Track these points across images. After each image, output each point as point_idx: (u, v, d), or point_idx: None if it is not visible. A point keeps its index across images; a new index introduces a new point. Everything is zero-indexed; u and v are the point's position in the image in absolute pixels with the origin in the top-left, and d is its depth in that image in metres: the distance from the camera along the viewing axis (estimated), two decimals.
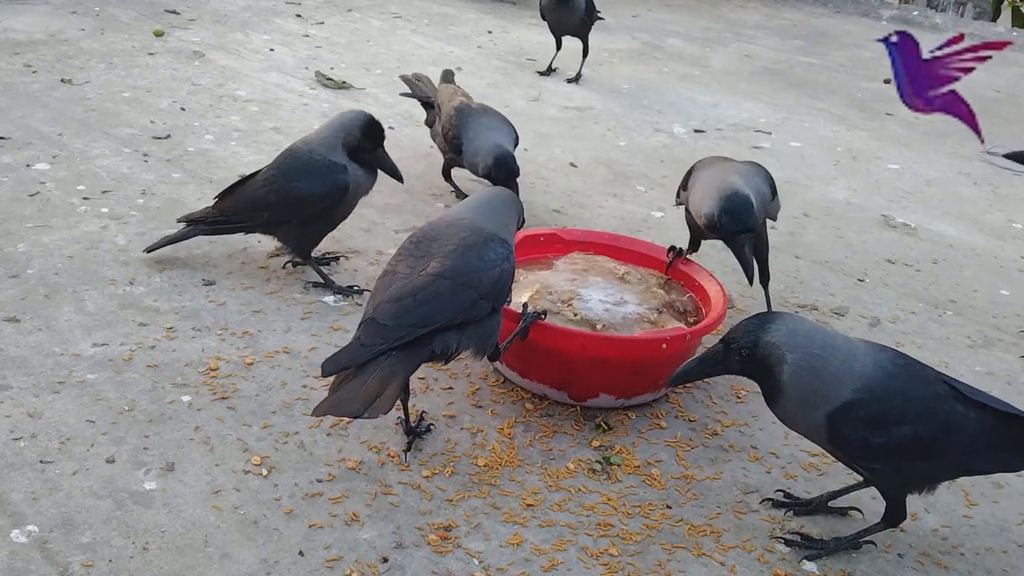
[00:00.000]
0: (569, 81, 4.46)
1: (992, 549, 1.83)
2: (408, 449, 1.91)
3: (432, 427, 1.99)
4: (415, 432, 1.95)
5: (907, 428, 1.62)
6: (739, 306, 2.62)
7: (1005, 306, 2.83)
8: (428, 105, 3.24)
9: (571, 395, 2.09)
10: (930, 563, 1.78)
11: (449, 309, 1.77)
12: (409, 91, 3.37)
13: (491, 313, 1.86)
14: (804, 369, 1.61)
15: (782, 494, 1.90)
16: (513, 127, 2.99)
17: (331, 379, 1.74)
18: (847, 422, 1.62)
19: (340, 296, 2.45)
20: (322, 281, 2.48)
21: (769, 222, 2.39)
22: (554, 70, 4.53)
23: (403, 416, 1.95)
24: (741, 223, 2.16)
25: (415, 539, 1.70)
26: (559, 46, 4.48)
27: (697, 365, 1.72)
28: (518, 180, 2.80)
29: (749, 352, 1.64)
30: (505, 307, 2.08)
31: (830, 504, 1.87)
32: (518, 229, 2.10)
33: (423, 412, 2.01)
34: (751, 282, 2.22)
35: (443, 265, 1.81)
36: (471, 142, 2.88)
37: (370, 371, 1.68)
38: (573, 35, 4.41)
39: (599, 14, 4.44)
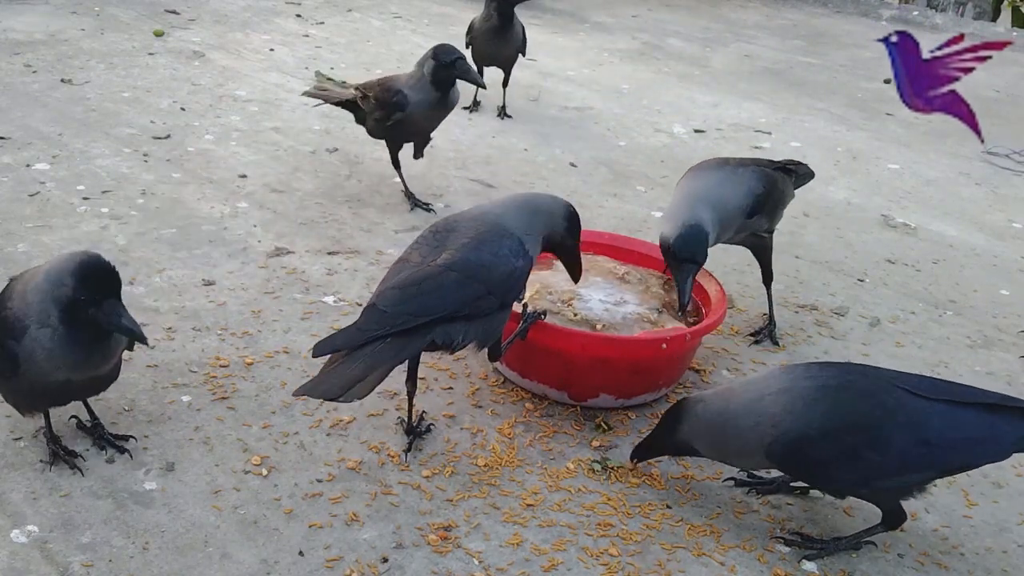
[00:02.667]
0: (499, 116, 3.97)
1: (992, 549, 1.83)
2: (408, 449, 1.91)
3: (432, 427, 1.99)
4: (416, 432, 1.95)
5: (845, 447, 1.63)
6: (739, 306, 2.62)
7: (1005, 306, 2.83)
8: (348, 104, 3.04)
9: (571, 395, 2.09)
10: (930, 563, 1.78)
11: (452, 301, 1.76)
12: (322, 102, 3.16)
13: (499, 309, 1.86)
14: (714, 451, 1.79)
15: (746, 473, 1.93)
16: None
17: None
18: (785, 459, 1.69)
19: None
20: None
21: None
22: (479, 103, 4.03)
23: (404, 416, 1.95)
24: (690, 253, 2.11)
25: (415, 539, 1.70)
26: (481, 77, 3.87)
27: (644, 448, 1.88)
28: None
29: (672, 442, 1.82)
30: None
31: (792, 484, 1.90)
32: (571, 242, 2.03)
33: (423, 412, 2.01)
34: (681, 311, 2.19)
35: (453, 257, 1.81)
36: (405, 81, 2.85)
37: (360, 355, 1.67)
38: (500, 66, 3.95)
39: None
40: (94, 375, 1.72)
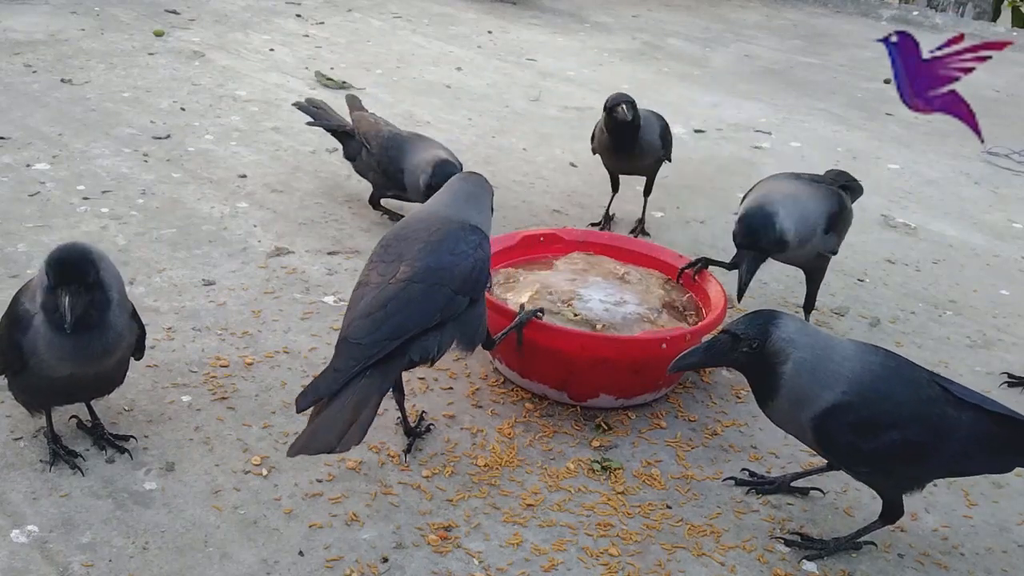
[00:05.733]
0: (632, 232, 3.03)
1: (992, 549, 1.83)
2: (408, 450, 1.91)
3: (432, 427, 1.99)
4: (415, 432, 1.95)
5: (896, 433, 1.62)
6: (739, 306, 2.61)
7: (1005, 306, 2.82)
8: (342, 135, 2.97)
9: (571, 395, 2.09)
10: (930, 563, 1.78)
11: (423, 313, 1.71)
12: (313, 120, 3.05)
13: (471, 304, 1.80)
14: (804, 368, 1.61)
15: (747, 473, 1.92)
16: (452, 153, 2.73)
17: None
18: (834, 426, 1.62)
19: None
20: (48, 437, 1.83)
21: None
22: (612, 217, 3.09)
23: (402, 417, 1.95)
24: (751, 236, 2.07)
25: (415, 539, 1.70)
26: (616, 187, 3.09)
27: (703, 354, 1.70)
28: None
29: (759, 346, 1.63)
30: (504, 307, 2.08)
31: (792, 484, 1.90)
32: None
33: (423, 412, 2.01)
34: (739, 299, 2.15)
35: (412, 268, 1.74)
36: (410, 163, 2.69)
37: (344, 396, 1.61)
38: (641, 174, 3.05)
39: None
40: (97, 370, 1.72)
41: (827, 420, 1.62)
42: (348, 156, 2.97)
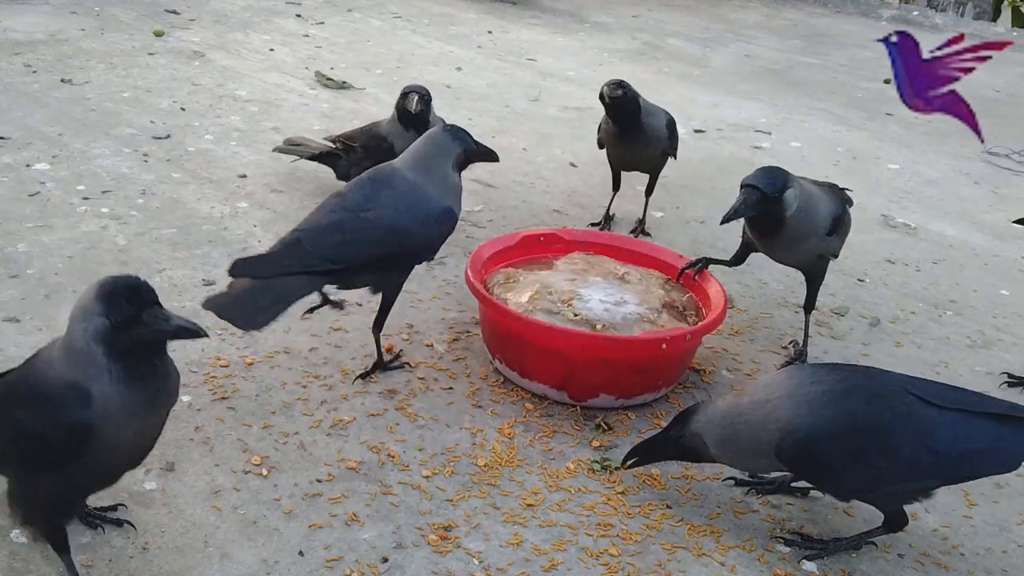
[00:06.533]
0: (633, 232, 3.02)
1: (992, 549, 1.83)
2: (364, 375, 2.10)
3: (408, 366, 2.16)
4: (385, 365, 2.14)
5: (854, 463, 1.62)
6: (739, 306, 2.62)
7: (1005, 306, 2.82)
8: (326, 156, 2.99)
9: (571, 395, 2.09)
10: (930, 563, 1.78)
11: (372, 255, 1.90)
12: (298, 157, 3.08)
13: (407, 267, 2.02)
14: (723, 448, 1.72)
15: (747, 473, 1.92)
16: None
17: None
18: (796, 463, 1.66)
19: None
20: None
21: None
22: (612, 217, 3.07)
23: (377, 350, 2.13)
24: (758, 172, 2.09)
25: (415, 539, 1.70)
26: (617, 186, 3.05)
27: (642, 449, 1.84)
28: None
29: (678, 439, 1.77)
30: (504, 307, 2.08)
31: (792, 484, 1.90)
32: (475, 154, 2.12)
33: (401, 351, 2.19)
34: (722, 221, 2.11)
35: (382, 215, 1.92)
36: (388, 122, 2.82)
37: (271, 284, 1.80)
38: (643, 172, 3.02)
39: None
40: (161, 418, 1.48)
41: (784, 456, 1.65)
42: (341, 176, 2.94)
